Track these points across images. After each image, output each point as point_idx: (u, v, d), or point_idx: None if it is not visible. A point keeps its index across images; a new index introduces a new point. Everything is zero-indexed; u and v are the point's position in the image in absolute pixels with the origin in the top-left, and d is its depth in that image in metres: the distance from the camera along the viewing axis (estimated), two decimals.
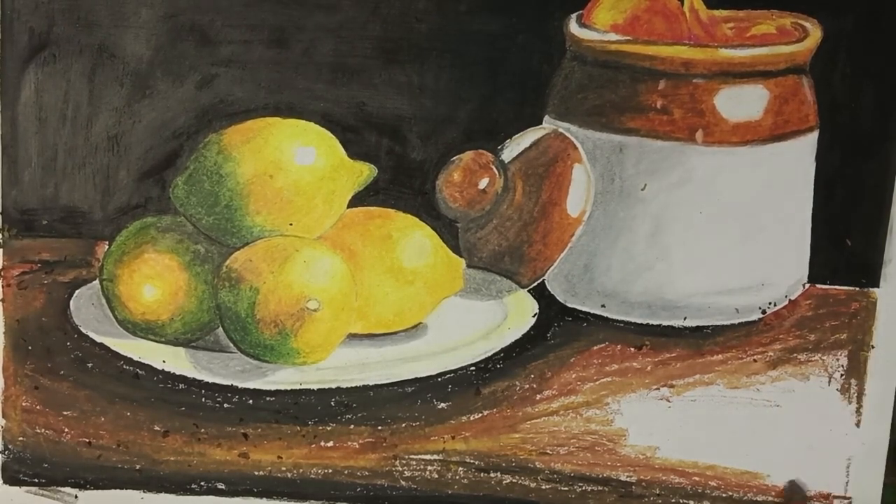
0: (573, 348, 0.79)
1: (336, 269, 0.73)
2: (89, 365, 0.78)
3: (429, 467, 0.78)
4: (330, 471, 0.78)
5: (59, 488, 0.79)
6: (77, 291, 0.80)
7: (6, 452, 0.79)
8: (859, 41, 0.75)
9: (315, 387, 0.75)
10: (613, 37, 0.76)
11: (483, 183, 0.78)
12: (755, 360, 0.79)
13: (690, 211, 0.77)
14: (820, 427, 0.78)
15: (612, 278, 0.79)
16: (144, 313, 0.75)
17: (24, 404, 0.79)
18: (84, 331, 0.77)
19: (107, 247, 0.77)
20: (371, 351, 0.77)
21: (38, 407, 0.79)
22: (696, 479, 0.78)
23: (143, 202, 0.78)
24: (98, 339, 0.76)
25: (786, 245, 0.79)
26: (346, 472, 0.78)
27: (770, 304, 0.79)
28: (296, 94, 0.76)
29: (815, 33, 0.76)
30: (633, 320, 0.79)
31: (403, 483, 0.78)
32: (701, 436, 0.78)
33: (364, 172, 0.76)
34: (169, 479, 0.78)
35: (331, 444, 0.77)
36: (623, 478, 0.78)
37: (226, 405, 0.77)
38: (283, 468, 0.78)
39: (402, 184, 0.78)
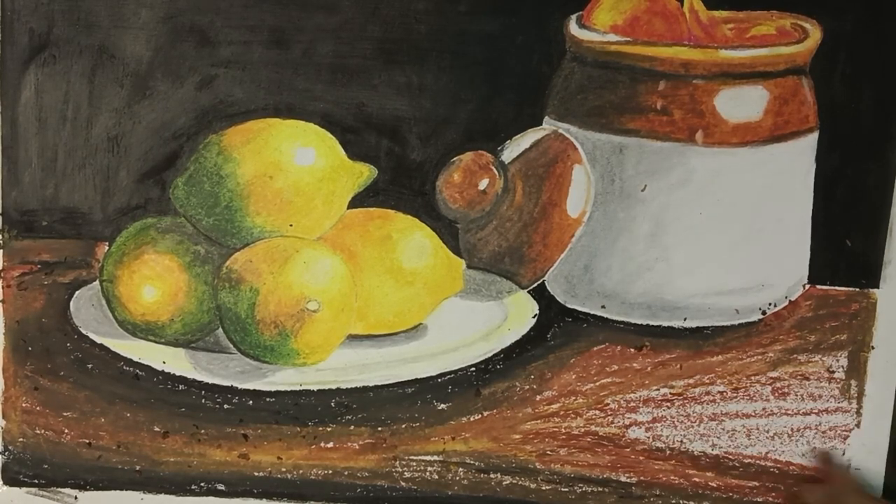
0: (573, 349, 0.79)
1: (336, 270, 0.73)
2: (89, 366, 0.78)
3: (429, 468, 0.78)
4: (330, 472, 0.78)
5: (59, 489, 0.79)
6: (77, 292, 0.80)
7: (6, 453, 0.79)
8: (859, 41, 0.75)
9: (315, 388, 0.75)
10: (613, 38, 0.76)
11: (483, 184, 0.78)
12: (755, 361, 0.79)
13: (690, 212, 0.77)
14: (820, 427, 0.78)
15: (612, 279, 0.79)
16: (144, 314, 0.75)
17: (24, 405, 0.79)
18: (84, 332, 0.77)
19: (107, 248, 0.77)
20: (371, 352, 0.77)
21: (38, 408, 0.79)
22: (696, 480, 0.78)
23: (143, 203, 0.78)
24: (98, 339, 0.77)
25: (786, 246, 0.79)
26: (346, 472, 0.78)
27: (770, 304, 0.79)
28: (295, 94, 0.76)
29: (814, 34, 0.76)
30: (633, 321, 0.79)
31: (403, 484, 0.78)
32: (701, 437, 0.78)
33: (364, 173, 0.76)
34: (169, 479, 0.78)
35: (331, 444, 0.77)
36: (623, 479, 0.78)
37: (226, 406, 0.77)
38: (283, 469, 0.78)
39: (401, 185, 0.78)
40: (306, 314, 0.72)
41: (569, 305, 0.81)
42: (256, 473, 0.78)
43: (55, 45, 0.76)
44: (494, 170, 0.78)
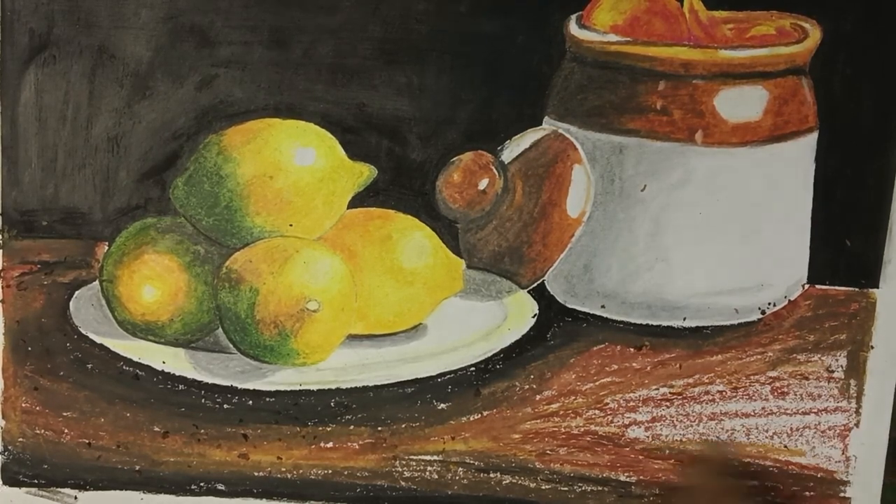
0: (573, 349, 0.79)
1: (336, 270, 0.73)
2: (89, 366, 0.78)
3: (429, 468, 0.78)
4: (330, 471, 0.78)
5: (59, 489, 0.79)
6: (77, 292, 0.80)
7: (6, 453, 0.79)
8: (859, 41, 0.76)
9: (315, 387, 0.75)
10: (613, 38, 0.76)
11: (483, 184, 0.78)
12: (754, 361, 0.79)
13: (690, 211, 0.77)
14: (819, 427, 0.78)
15: (611, 279, 0.79)
16: (144, 314, 0.75)
17: (23, 405, 0.79)
18: (84, 332, 0.77)
19: (107, 248, 0.77)
20: (371, 352, 0.77)
21: (37, 408, 0.79)
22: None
23: (143, 203, 0.78)
24: (98, 339, 0.76)
25: (785, 245, 0.79)
26: (345, 472, 0.78)
27: (769, 304, 0.79)
28: (296, 94, 0.76)
29: (814, 34, 0.76)
30: (632, 321, 0.79)
31: (403, 483, 0.78)
32: (700, 436, 0.78)
33: (364, 173, 0.76)
34: (169, 479, 0.78)
35: (331, 444, 0.77)
36: (623, 478, 0.78)
37: (225, 406, 0.77)
38: (283, 469, 0.78)
39: (401, 185, 0.78)
40: (306, 314, 0.72)
41: (568, 305, 0.81)
42: (256, 473, 0.78)
43: (55, 45, 0.76)
44: (494, 170, 0.78)
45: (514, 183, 0.79)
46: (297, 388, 0.75)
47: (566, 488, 0.78)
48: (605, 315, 0.80)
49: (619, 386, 0.78)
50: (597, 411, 0.78)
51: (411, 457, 0.78)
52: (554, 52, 0.77)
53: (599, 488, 0.78)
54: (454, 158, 0.78)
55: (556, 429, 0.78)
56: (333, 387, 0.75)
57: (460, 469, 0.78)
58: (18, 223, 0.78)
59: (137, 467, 0.78)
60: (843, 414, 0.78)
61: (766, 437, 0.78)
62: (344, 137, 0.76)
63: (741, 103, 0.76)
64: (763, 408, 0.78)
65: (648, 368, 0.79)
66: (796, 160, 0.78)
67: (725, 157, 0.76)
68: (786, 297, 0.80)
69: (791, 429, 0.78)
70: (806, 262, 0.80)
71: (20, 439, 0.79)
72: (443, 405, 0.78)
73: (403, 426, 0.77)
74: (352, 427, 0.77)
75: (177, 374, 0.75)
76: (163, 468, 0.78)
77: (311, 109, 0.76)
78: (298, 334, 0.72)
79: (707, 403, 0.78)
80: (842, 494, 0.78)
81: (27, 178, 0.77)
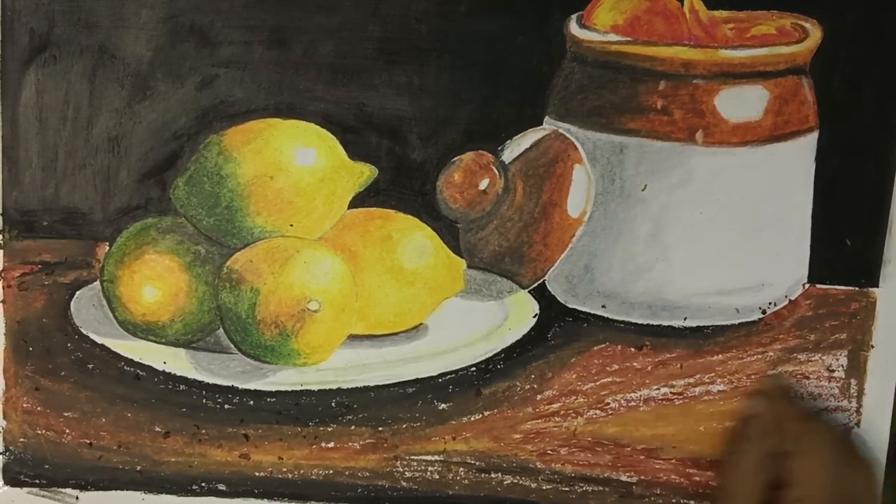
0: (574, 349, 0.79)
1: (336, 270, 0.73)
2: (90, 366, 0.78)
3: (430, 468, 0.78)
4: (331, 471, 0.78)
5: (60, 489, 0.79)
6: (78, 292, 0.80)
7: (7, 454, 0.79)
8: (859, 41, 0.75)
9: (316, 388, 0.75)
10: (614, 37, 0.76)
11: (483, 184, 0.78)
12: (755, 360, 0.79)
13: (690, 211, 0.77)
14: None
15: (612, 279, 0.79)
16: (145, 314, 0.75)
17: (24, 405, 0.79)
18: (85, 332, 0.77)
19: (107, 248, 0.77)
20: (372, 352, 0.77)
21: (38, 408, 0.79)
22: (697, 479, 0.78)
23: (144, 203, 0.78)
24: (99, 340, 0.77)
25: (785, 245, 0.79)
26: (346, 472, 0.78)
27: (770, 304, 0.79)
28: (296, 94, 0.76)
29: (814, 34, 0.76)
30: (633, 321, 0.79)
31: (404, 484, 0.78)
32: (701, 436, 0.78)
33: (364, 173, 0.76)
34: (170, 479, 0.78)
35: (332, 444, 0.77)
36: (624, 478, 0.78)
37: (227, 406, 0.77)
38: (284, 469, 0.78)
39: (402, 185, 0.78)
40: (307, 314, 0.72)
41: (569, 305, 0.81)
42: (257, 473, 0.78)
43: (55, 46, 0.76)
44: (495, 170, 0.78)
45: (515, 183, 0.79)
46: (298, 388, 0.75)
47: (567, 488, 0.78)
48: (605, 315, 0.80)
49: (620, 386, 0.78)
50: (598, 411, 0.78)
51: (412, 457, 0.78)
52: (554, 52, 0.77)
53: (601, 488, 0.78)
54: (455, 158, 0.78)
55: (557, 429, 0.78)
56: (334, 387, 0.75)
57: (461, 469, 0.78)
58: (19, 223, 0.78)
59: (139, 467, 0.78)
60: (844, 413, 0.79)
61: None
62: (344, 137, 0.76)
63: (741, 103, 0.76)
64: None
65: (649, 368, 0.79)
66: (796, 160, 0.78)
67: (726, 156, 0.76)
68: (786, 296, 0.80)
69: None
70: (806, 262, 0.80)
71: (21, 439, 0.79)
72: (444, 405, 0.78)
73: (404, 426, 0.78)
74: (353, 427, 0.77)
75: (178, 374, 0.75)
76: (164, 468, 0.78)
77: (311, 109, 0.76)
78: (299, 334, 0.72)
79: (708, 403, 0.78)
80: None
81: (28, 179, 0.78)
